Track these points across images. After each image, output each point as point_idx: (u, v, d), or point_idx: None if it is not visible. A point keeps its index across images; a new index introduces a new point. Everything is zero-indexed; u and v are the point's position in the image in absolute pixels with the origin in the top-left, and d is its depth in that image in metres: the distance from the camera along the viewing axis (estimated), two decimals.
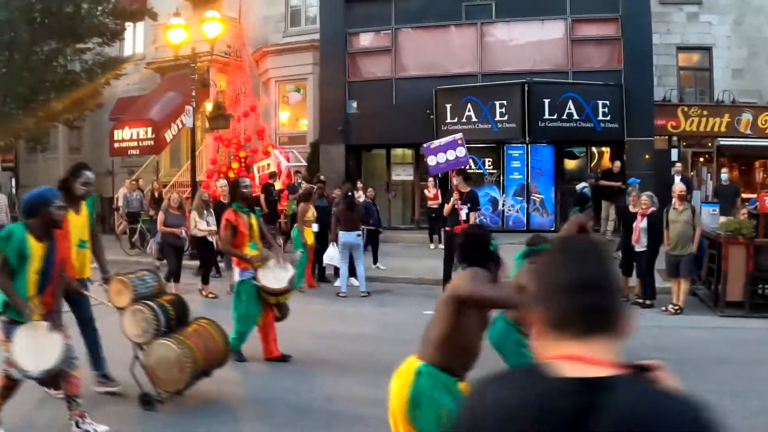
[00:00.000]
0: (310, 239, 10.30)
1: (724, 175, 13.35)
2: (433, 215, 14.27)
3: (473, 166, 14.28)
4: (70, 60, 18.82)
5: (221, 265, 11.00)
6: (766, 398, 5.10)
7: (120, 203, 15.57)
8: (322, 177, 13.20)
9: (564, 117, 14.81)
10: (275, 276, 6.08)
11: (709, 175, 16.19)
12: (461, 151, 9.65)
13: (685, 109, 15.83)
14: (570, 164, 16.29)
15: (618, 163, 14.17)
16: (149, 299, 5.02)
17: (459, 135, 9.88)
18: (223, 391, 5.27)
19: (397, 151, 17.78)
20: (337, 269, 10.58)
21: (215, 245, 10.11)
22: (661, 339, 6.91)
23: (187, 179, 15.41)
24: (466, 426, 1.16)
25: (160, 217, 9.77)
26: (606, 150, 16.25)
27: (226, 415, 4.90)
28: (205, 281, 9.90)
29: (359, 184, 13.64)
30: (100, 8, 18.44)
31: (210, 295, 9.62)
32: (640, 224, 8.81)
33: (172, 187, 16.81)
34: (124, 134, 17.59)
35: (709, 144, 16.24)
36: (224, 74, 19.00)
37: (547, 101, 14.80)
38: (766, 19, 15.99)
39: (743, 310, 8.36)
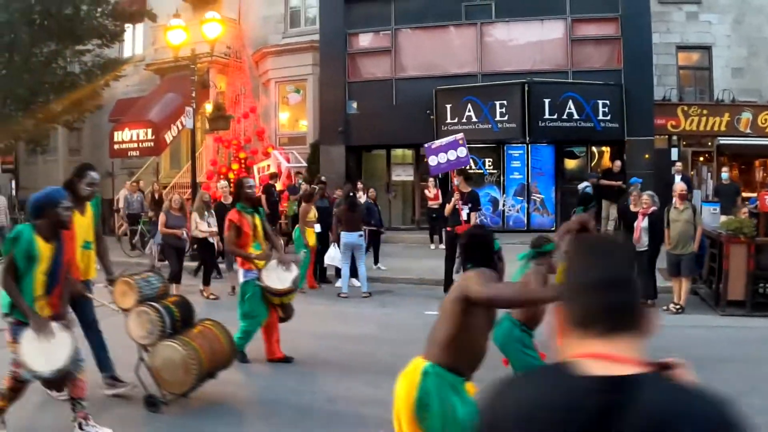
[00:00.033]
0: (312, 240, 10.30)
1: (725, 174, 13.35)
2: (434, 215, 14.27)
3: (473, 167, 14.28)
4: (70, 62, 18.81)
5: (221, 266, 10.99)
6: (767, 397, 5.10)
7: (120, 205, 15.57)
8: (323, 178, 13.21)
9: (564, 117, 14.81)
10: (279, 276, 6.08)
11: (709, 174, 16.19)
12: (462, 151, 9.66)
13: (685, 108, 15.83)
14: (570, 164, 16.30)
15: (618, 163, 14.18)
16: (154, 301, 5.01)
17: (460, 135, 9.89)
18: (226, 393, 5.27)
19: (397, 152, 17.79)
20: (338, 270, 10.59)
21: (216, 246, 10.12)
22: (662, 338, 6.82)
23: (187, 180, 15.41)
24: (490, 426, 1.16)
25: (162, 218, 9.77)
26: (606, 150, 16.25)
27: (230, 417, 4.90)
28: (206, 282, 9.90)
29: (359, 185, 13.64)
30: (99, 10, 18.45)
31: (211, 297, 9.62)
32: (641, 224, 8.80)
33: (172, 189, 16.81)
34: (124, 136, 17.58)
35: (709, 143, 16.25)
36: (224, 75, 19.00)
37: (547, 101, 14.81)
38: (765, 18, 16.00)
39: (744, 309, 8.36)
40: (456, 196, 9.31)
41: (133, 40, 21.73)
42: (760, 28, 16.01)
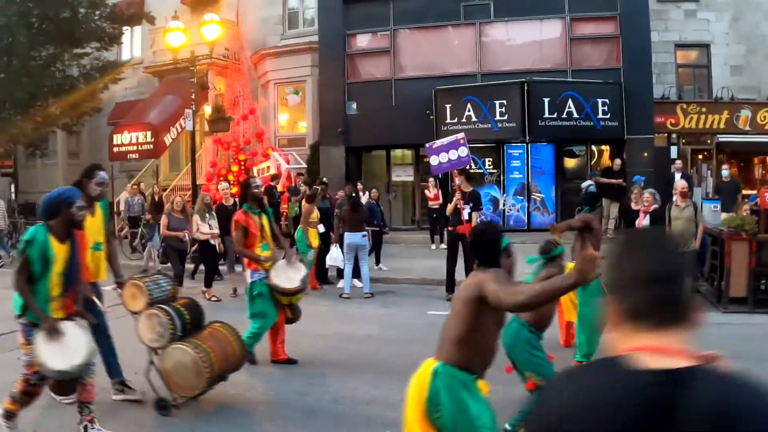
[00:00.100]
0: (314, 241, 10.30)
1: (725, 172, 13.36)
2: (434, 215, 14.28)
3: (473, 166, 14.30)
4: (68, 65, 18.80)
5: (222, 268, 10.98)
6: None
7: (121, 207, 15.57)
8: (324, 179, 13.21)
9: (564, 116, 14.83)
10: (288, 276, 6.06)
11: (709, 171, 16.21)
12: (463, 151, 9.66)
13: (684, 106, 15.85)
14: (570, 163, 16.31)
15: (618, 161, 14.20)
16: (164, 303, 4.99)
17: (461, 135, 9.89)
18: (231, 394, 5.27)
19: (397, 152, 17.79)
20: (339, 270, 10.59)
21: (217, 248, 10.12)
22: None
23: (187, 183, 15.40)
24: (546, 420, 1.16)
25: (163, 220, 9.76)
26: (606, 148, 16.26)
27: (236, 418, 4.88)
28: (208, 285, 9.89)
29: (359, 186, 13.64)
30: (97, 13, 18.47)
31: (213, 299, 9.61)
32: (643, 221, 8.81)
33: (172, 191, 16.80)
34: (124, 138, 17.57)
35: (708, 141, 16.26)
36: (223, 77, 19.00)
37: (546, 100, 14.82)
38: (763, 16, 16.03)
39: (747, 305, 8.36)
40: (457, 195, 9.31)
41: (131, 43, 21.74)
42: (758, 26, 16.03)
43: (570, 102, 14.75)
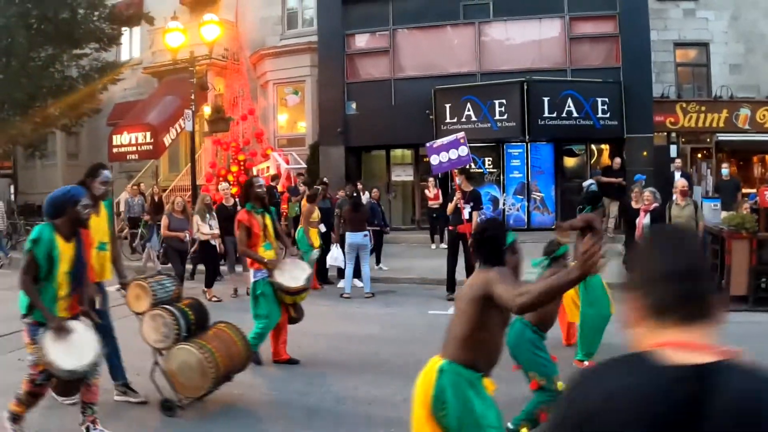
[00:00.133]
0: (316, 240, 10.30)
1: (725, 170, 13.37)
2: (434, 215, 14.28)
3: (473, 166, 14.32)
4: (67, 66, 18.80)
5: (223, 268, 10.98)
6: None
7: (122, 208, 15.56)
8: (325, 179, 13.22)
9: (563, 115, 14.83)
10: (292, 275, 6.05)
11: (708, 170, 16.21)
12: (463, 150, 9.65)
13: (684, 105, 15.85)
14: (570, 162, 16.31)
15: (618, 160, 14.20)
16: (168, 304, 4.97)
17: (461, 134, 9.88)
18: (233, 394, 5.26)
19: (397, 152, 17.79)
20: (340, 270, 10.59)
21: (218, 248, 10.11)
22: None
23: (186, 183, 15.39)
24: (571, 417, 1.16)
25: (164, 221, 9.75)
26: (605, 147, 16.27)
27: (239, 418, 4.88)
28: (209, 285, 9.88)
29: (359, 186, 13.65)
30: (96, 13, 18.46)
31: (214, 299, 9.60)
32: (644, 220, 8.81)
33: (171, 192, 16.79)
34: (123, 139, 17.56)
35: (708, 140, 16.27)
36: (222, 78, 18.99)
37: (546, 99, 14.83)
38: (762, 15, 16.04)
39: (747, 304, 8.36)
40: (458, 195, 9.30)
41: (130, 44, 21.73)
42: (756, 24, 16.04)
43: (569, 101, 14.76)
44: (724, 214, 11.07)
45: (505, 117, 15.06)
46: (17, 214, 18.98)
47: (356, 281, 10.16)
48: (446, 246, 10.48)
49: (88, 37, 18.32)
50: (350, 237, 9.75)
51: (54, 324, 3.94)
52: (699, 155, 16.72)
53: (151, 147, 17.15)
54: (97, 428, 4.29)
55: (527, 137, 15.07)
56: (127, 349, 5.23)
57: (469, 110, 15.30)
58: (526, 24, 16.12)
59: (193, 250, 10.54)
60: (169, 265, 10.33)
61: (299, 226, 10.57)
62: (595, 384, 1.17)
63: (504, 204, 15.67)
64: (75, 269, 4.14)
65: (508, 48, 16.28)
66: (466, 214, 9.20)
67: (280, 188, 14.81)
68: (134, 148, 17.34)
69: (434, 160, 9.94)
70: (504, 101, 15.01)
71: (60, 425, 4.63)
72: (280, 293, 6.02)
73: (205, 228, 9.82)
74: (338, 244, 10.26)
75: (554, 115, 14.83)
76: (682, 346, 1.14)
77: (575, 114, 14.82)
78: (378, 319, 8.30)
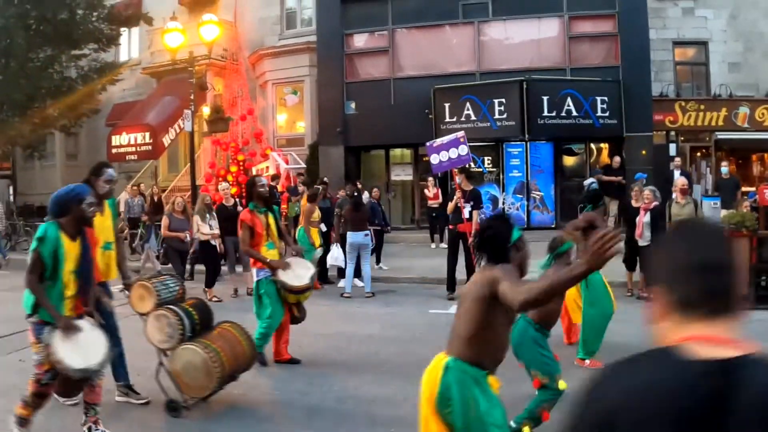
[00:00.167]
0: (317, 240, 10.30)
1: (725, 169, 13.38)
2: (434, 215, 14.29)
3: (473, 165, 14.32)
4: (66, 66, 18.78)
5: (223, 268, 10.96)
6: None
7: (121, 208, 15.53)
8: (325, 179, 13.22)
9: (563, 114, 14.84)
10: (296, 274, 6.04)
11: (708, 169, 16.23)
12: (463, 149, 9.65)
13: (683, 103, 15.88)
14: (569, 161, 16.32)
15: (617, 159, 14.21)
16: (172, 304, 4.95)
17: (461, 133, 9.88)
18: (235, 394, 5.25)
19: (396, 152, 17.79)
20: (340, 270, 10.58)
21: (218, 248, 10.10)
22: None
23: (185, 184, 15.37)
24: (596, 412, 1.16)
25: (164, 221, 9.74)
26: (605, 146, 16.28)
27: (240, 418, 4.87)
28: (209, 285, 9.87)
29: (358, 185, 13.64)
30: (95, 14, 18.44)
31: (214, 299, 9.58)
32: (644, 219, 8.81)
33: (170, 192, 16.78)
34: (122, 140, 17.56)
35: (707, 138, 16.28)
36: (221, 78, 18.98)
37: (545, 98, 14.83)
38: (761, 13, 16.05)
39: (747, 302, 8.34)
40: (458, 194, 9.31)
41: (129, 44, 21.72)
42: (755, 23, 16.06)
43: (569, 100, 14.77)
44: (723, 212, 11.11)
45: (504, 116, 15.06)
46: (16, 215, 18.96)
47: (356, 281, 10.16)
48: (446, 245, 10.48)
49: (86, 37, 18.30)
50: (351, 236, 9.75)
51: (61, 323, 3.92)
52: (698, 154, 16.74)
53: (150, 147, 17.15)
54: (99, 428, 4.28)
55: (527, 136, 15.07)
56: (129, 349, 5.22)
57: (468, 109, 15.30)
58: (525, 23, 16.13)
59: (192, 251, 10.54)
60: (169, 265, 10.32)
61: (299, 226, 10.57)
62: (618, 380, 1.17)
63: (504, 203, 15.67)
64: (81, 268, 4.11)
65: (507, 47, 16.28)
66: (466, 213, 9.20)
67: (279, 188, 14.80)
68: (133, 149, 17.34)
69: (434, 159, 9.94)
70: (503, 100, 15.02)
71: (61, 426, 4.62)
72: (284, 292, 6.01)
73: (205, 228, 9.81)
74: (338, 244, 10.26)
75: (553, 114, 14.83)
76: (707, 341, 1.14)
77: (574, 113, 14.83)
78: (378, 319, 8.30)
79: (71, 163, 22.13)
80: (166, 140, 17.49)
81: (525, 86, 14.83)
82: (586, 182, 13.46)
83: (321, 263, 10.80)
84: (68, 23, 17.55)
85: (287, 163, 17.04)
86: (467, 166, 9.94)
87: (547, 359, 4.21)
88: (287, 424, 4.78)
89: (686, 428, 1.06)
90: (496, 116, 15.11)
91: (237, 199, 11.24)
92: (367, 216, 10.25)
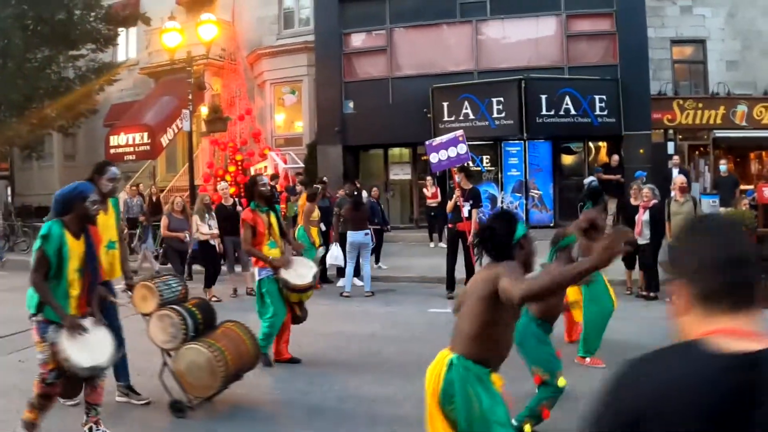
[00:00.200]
0: (317, 239, 10.30)
1: (723, 167, 13.41)
2: (432, 214, 14.29)
3: (471, 164, 14.31)
4: (64, 67, 18.75)
5: (222, 268, 10.95)
6: None
7: (120, 209, 15.50)
8: (324, 178, 13.22)
9: (561, 113, 14.85)
10: (298, 272, 6.03)
11: (706, 167, 16.26)
12: (462, 148, 9.65)
13: (681, 102, 15.90)
14: (567, 160, 16.34)
15: (616, 157, 14.22)
16: (175, 304, 4.93)
17: (460, 132, 9.89)
18: (235, 394, 5.24)
19: (395, 151, 17.79)
20: (339, 269, 10.57)
21: (217, 248, 10.09)
22: (668, 331, 6.91)
23: (184, 184, 15.35)
24: (624, 406, 1.15)
25: (164, 221, 9.73)
26: (603, 145, 16.29)
27: (241, 419, 4.86)
28: (209, 285, 9.86)
29: (357, 184, 13.63)
30: (93, 14, 18.41)
31: (213, 299, 9.57)
32: (643, 217, 8.82)
33: (169, 192, 16.76)
34: (120, 140, 17.54)
35: (705, 136, 16.31)
36: (219, 77, 18.96)
37: (543, 97, 14.84)
38: (759, 12, 16.08)
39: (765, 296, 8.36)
40: (457, 192, 9.31)
41: (127, 44, 21.70)
42: (753, 22, 16.08)
43: (567, 99, 14.78)
44: (722, 210, 11.12)
45: (502, 115, 15.07)
46: (14, 216, 18.93)
47: (355, 280, 10.16)
48: (444, 244, 10.48)
49: (84, 38, 18.28)
50: (352, 236, 9.74)
51: (68, 322, 3.90)
52: (696, 152, 16.76)
53: (148, 147, 17.12)
54: (100, 429, 4.27)
55: (525, 135, 15.08)
56: (129, 349, 5.20)
57: (466, 108, 15.31)
58: (523, 22, 16.14)
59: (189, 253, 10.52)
60: (169, 265, 10.31)
61: (298, 225, 10.57)
62: (646, 374, 1.17)
63: (502, 202, 15.67)
64: (87, 267, 4.09)
65: (505, 46, 16.29)
66: (465, 212, 9.20)
67: (278, 188, 14.79)
68: (131, 149, 17.32)
69: (434, 158, 9.94)
70: (502, 99, 15.02)
71: (62, 426, 4.61)
72: (286, 291, 6.00)
73: (205, 228, 9.80)
74: (338, 243, 10.25)
75: (552, 112, 14.84)
76: (732, 334, 1.14)
77: (573, 111, 14.84)
78: (378, 318, 8.30)
79: (69, 164, 22.10)
80: (165, 140, 17.47)
81: (523, 85, 14.84)
82: (586, 181, 13.47)
83: (320, 262, 10.81)
84: (66, 23, 17.52)
85: (285, 162, 17.03)
86: (466, 164, 9.94)
87: (549, 356, 4.22)
88: (288, 424, 4.77)
89: (714, 421, 1.06)
90: (495, 115, 15.11)
91: (236, 199, 11.21)
92: (367, 215, 10.24)
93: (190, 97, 13.95)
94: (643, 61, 15.17)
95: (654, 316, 7.89)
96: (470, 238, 8.99)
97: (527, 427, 4.04)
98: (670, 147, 15.77)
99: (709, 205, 11.43)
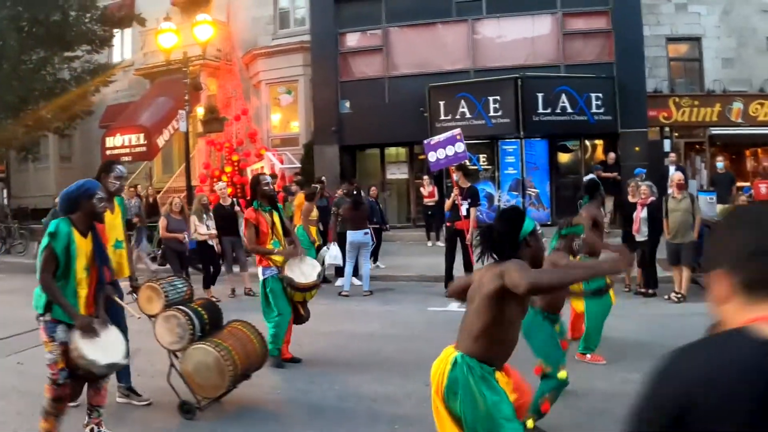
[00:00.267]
0: (317, 239, 10.29)
1: (720, 164, 13.44)
2: (430, 213, 14.30)
3: (468, 163, 14.31)
4: (59, 68, 18.68)
5: (221, 269, 10.94)
6: None
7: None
8: (322, 178, 13.22)
9: (557, 111, 14.87)
10: (302, 271, 6.02)
11: (703, 164, 16.31)
12: (460, 147, 9.65)
13: (677, 99, 15.95)
14: (564, 158, 16.35)
15: (613, 155, 14.24)
16: (181, 305, 4.92)
17: (458, 130, 9.89)
18: (235, 393, 5.23)
19: (391, 150, 17.79)
20: (337, 269, 10.56)
21: (216, 248, 10.08)
22: (667, 327, 6.94)
23: (180, 185, 15.32)
24: (670, 394, 1.15)
25: (162, 222, 9.70)
26: (600, 142, 16.31)
27: (242, 418, 4.86)
28: (207, 286, 9.84)
29: (355, 184, 13.63)
30: (88, 15, 18.36)
31: (212, 299, 9.55)
32: (640, 214, 8.84)
33: (165, 193, 16.72)
34: (116, 141, 17.49)
35: (701, 134, 16.35)
36: (215, 78, 18.93)
37: (540, 95, 14.85)
38: (753, 9, 16.13)
39: None
40: (455, 191, 9.31)
41: (122, 45, 21.64)
42: (748, 19, 16.13)
43: (563, 97, 14.80)
44: (720, 207, 11.15)
45: (499, 113, 15.08)
46: (11, 218, 18.85)
47: (354, 279, 10.16)
48: (442, 243, 10.48)
49: (79, 39, 18.22)
50: (351, 235, 9.74)
51: (79, 321, 3.88)
52: (692, 149, 16.81)
53: (144, 149, 17.08)
54: (102, 430, 4.26)
55: (521, 133, 15.09)
56: (132, 349, 5.19)
57: (463, 107, 15.32)
58: (518, 20, 16.16)
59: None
60: (167, 266, 10.29)
61: (296, 225, 10.55)
62: (694, 362, 1.16)
63: (499, 200, 15.68)
64: (94, 265, 4.06)
65: (501, 45, 16.31)
66: (463, 211, 9.21)
67: (275, 188, 14.77)
68: (127, 150, 17.27)
69: (431, 156, 9.93)
70: (498, 98, 15.03)
71: (63, 427, 4.58)
72: (291, 290, 5.99)
73: (203, 228, 9.79)
74: (336, 243, 10.25)
75: (548, 111, 14.86)
76: None
77: (569, 110, 14.86)
78: (377, 317, 8.30)
79: (65, 165, 22.03)
80: (161, 141, 17.43)
81: (519, 83, 14.85)
82: (586, 179, 13.47)
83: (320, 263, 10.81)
84: (61, 25, 17.46)
85: (282, 162, 17.02)
86: (465, 163, 9.95)
87: (553, 348, 4.22)
88: (289, 423, 4.77)
89: (763, 408, 1.06)
90: (491, 113, 15.12)
91: (234, 199, 11.20)
92: (367, 214, 10.24)
93: (186, 97, 13.92)
94: (638, 59, 15.20)
95: (652, 313, 7.91)
96: (468, 237, 9.00)
97: (530, 423, 4.05)
98: (667, 144, 15.80)
99: (706, 201, 11.44)
